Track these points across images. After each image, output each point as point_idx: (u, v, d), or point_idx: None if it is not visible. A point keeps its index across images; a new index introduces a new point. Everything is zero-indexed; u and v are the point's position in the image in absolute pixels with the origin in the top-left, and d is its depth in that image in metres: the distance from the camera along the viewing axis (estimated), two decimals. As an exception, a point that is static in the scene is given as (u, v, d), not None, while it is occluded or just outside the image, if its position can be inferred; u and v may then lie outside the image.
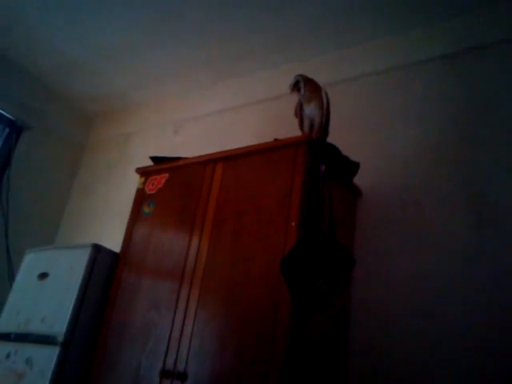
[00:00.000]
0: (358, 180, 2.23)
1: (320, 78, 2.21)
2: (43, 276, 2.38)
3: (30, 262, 2.54)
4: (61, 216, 3.69)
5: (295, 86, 2.14)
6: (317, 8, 2.54)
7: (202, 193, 2.21)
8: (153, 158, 2.58)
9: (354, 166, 2.16)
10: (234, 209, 2.06)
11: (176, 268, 2.11)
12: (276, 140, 2.14)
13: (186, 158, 2.44)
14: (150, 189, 2.46)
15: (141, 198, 2.48)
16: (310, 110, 2.14)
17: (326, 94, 2.13)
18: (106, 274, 2.31)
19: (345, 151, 2.11)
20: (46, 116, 3.63)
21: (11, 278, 2.97)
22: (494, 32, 2.31)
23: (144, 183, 2.51)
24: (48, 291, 2.31)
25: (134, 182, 2.60)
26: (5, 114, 3.38)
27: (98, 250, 2.30)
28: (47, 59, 3.33)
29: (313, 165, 1.94)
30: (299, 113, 2.19)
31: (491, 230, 1.95)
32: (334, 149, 2.05)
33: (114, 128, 3.82)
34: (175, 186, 2.38)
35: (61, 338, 2.09)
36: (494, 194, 2.01)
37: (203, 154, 2.35)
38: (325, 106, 2.12)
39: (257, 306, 1.78)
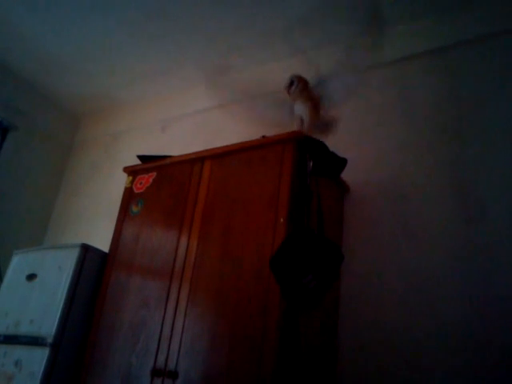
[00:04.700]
0: (346, 176, 2.24)
1: (307, 75, 2.21)
2: (31, 277, 2.36)
3: (18, 264, 2.52)
4: (49, 216, 3.66)
5: (290, 87, 2.15)
6: (304, 4, 2.54)
7: (190, 191, 2.21)
8: (140, 157, 2.57)
9: (342, 162, 2.17)
10: (223, 206, 2.06)
11: (165, 267, 2.10)
12: (264, 137, 2.15)
13: (173, 157, 2.43)
14: (138, 188, 2.45)
15: (129, 197, 2.47)
16: (300, 107, 2.15)
17: (317, 93, 2.14)
18: (95, 274, 2.30)
19: (332, 148, 2.11)
20: (32, 116, 3.59)
21: (-1, 279, 2.94)
22: (480, 27, 2.33)
23: (132, 182, 2.50)
24: (37, 292, 2.30)
25: (121, 181, 2.58)
26: (-10, 114, 3.35)
27: (86, 249, 2.29)
28: (33, 59, 3.30)
29: (300, 161, 1.95)
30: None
31: (479, 225, 1.96)
32: (321, 145, 2.06)
33: (100, 127, 3.79)
34: (163, 184, 2.38)
35: (50, 340, 2.08)
36: (481, 190, 2.03)
37: (191, 152, 2.35)
38: (315, 103, 2.14)
39: (247, 303, 1.78)
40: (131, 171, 2.56)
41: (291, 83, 2.16)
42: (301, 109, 2.15)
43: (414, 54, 2.48)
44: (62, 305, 2.14)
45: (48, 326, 2.12)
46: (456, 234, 2.00)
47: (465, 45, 2.35)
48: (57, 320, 2.11)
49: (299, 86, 2.15)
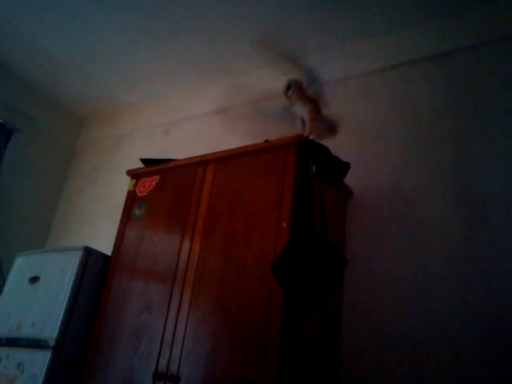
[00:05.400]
0: (349, 180, 2.24)
1: (305, 79, 2.23)
2: (34, 280, 2.36)
3: (21, 266, 2.53)
4: (51, 219, 3.67)
5: (288, 90, 2.17)
6: (305, 8, 2.54)
7: (193, 194, 2.21)
8: (143, 160, 2.57)
9: (345, 167, 2.17)
10: (226, 210, 2.06)
11: (168, 270, 2.10)
12: (267, 141, 2.15)
13: (176, 160, 2.43)
14: (141, 191, 2.45)
15: (132, 200, 2.47)
16: (300, 110, 2.17)
17: (316, 94, 2.16)
18: (97, 277, 2.30)
19: (335, 152, 2.11)
20: (35, 119, 3.61)
21: (2, 282, 2.94)
22: (481, 33, 2.33)
23: (135, 185, 2.50)
24: (39, 295, 2.30)
25: (124, 184, 2.59)
26: (-6, 117, 3.36)
27: (89, 252, 2.29)
28: (36, 61, 3.31)
29: (303, 165, 1.95)
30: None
31: (481, 228, 1.96)
32: (324, 149, 2.06)
33: (103, 130, 3.80)
34: (166, 188, 2.38)
35: (52, 342, 2.07)
36: (483, 193, 2.03)
37: (194, 155, 2.35)
38: (315, 104, 2.16)
39: (249, 307, 1.78)
40: (134, 174, 2.56)
41: (288, 87, 2.18)
42: (301, 111, 2.18)
43: (416, 59, 2.48)
44: (64, 307, 2.14)
45: (50, 329, 2.11)
46: (458, 237, 2.00)
47: (466, 50, 2.35)
48: (59, 323, 2.11)
49: (296, 88, 2.17)
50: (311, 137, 2.16)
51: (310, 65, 2.54)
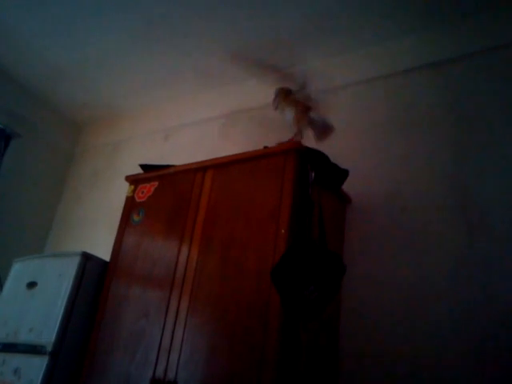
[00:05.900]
0: (348, 187, 2.24)
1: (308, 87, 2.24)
2: (32, 285, 2.36)
3: (19, 271, 2.52)
4: (50, 224, 3.66)
5: (274, 100, 2.22)
6: (304, 16, 2.56)
7: (191, 200, 2.21)
8: (142, 166, 2.58)
9: (343, 174, 2.17)
10: (224, 216, 2.06)
11: (166, 276, 2.10)
12: (266, 148, 2.16)
13: (175, 166, 2.44)
14: (140, 197, 2.45)
15: (130, 206, 2.47)
16: (289, 114, 2.20)
17: (304, 97, 2.19)
18: (95, 283, 2.29)
19: (334, 159, 2.12)
20: (34, 124, 3.61)
21: (-1, 287, 2.94)
22: (480, 41, 2.35)
23: (134, 191, 2.51)
24: (37, 300, 2.29)
25: (123, 189, 2.59)
26: (-7, 122, 3.37)
27: (87, 258, 2.29)
28: (35, 66, 3.31)
29: (302, 172, 1.95)
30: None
31: (480, 237, 1.96)
32: (323, 156, 2.07)
33: (102, 136, 3.80)
34: (165, 193, 2.38)
35: (49, 348, 2.07)
36: (482, 201, 2.03)
37: (193, 161, 2.36)
38: (303, 107, 2.19)
39: (247, 314, 1.77)
40: (133, 180, 2.56)
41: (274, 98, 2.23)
42: (290, 115, 2.20)
43: (415, 67, 2.49)
44: (61, 313, 2.14)
45: (47, 335, 2.11)
46: (457, 245, 2.00)
47: (465, 58, 2.36)
48: (56, 328, 2.10)
49: (281, 95, 2.21)
50: (298, 139, 2.18)
51: (302, 71, 2.57)
